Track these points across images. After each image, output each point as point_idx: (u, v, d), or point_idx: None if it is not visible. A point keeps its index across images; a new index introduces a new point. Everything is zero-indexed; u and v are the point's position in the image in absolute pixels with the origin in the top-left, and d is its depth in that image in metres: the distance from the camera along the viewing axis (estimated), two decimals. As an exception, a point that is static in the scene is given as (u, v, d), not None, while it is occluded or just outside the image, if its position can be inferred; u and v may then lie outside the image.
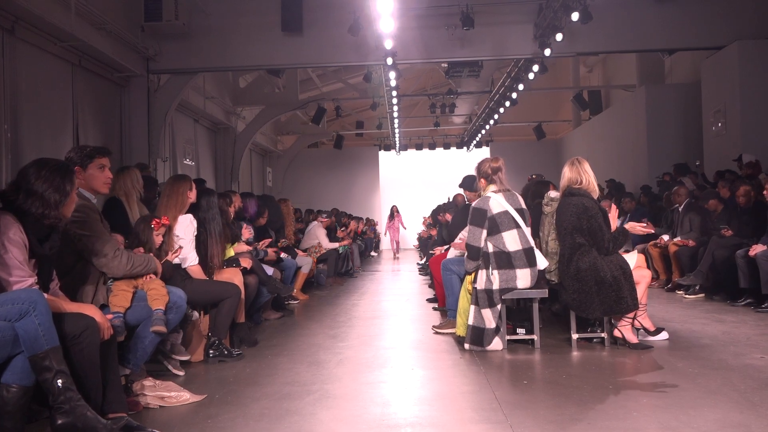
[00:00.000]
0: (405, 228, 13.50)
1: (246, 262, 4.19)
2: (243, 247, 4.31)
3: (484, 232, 3.40)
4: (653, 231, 3.73)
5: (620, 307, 3.26)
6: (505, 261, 3.38)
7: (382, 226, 15.63)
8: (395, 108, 12.19)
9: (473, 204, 3.52)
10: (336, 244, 7.66)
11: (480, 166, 3.58)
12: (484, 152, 17.14)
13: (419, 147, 17.60)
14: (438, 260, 4.74)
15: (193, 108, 10.36)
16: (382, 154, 18.24)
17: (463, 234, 4.06)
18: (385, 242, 16.12)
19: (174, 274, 3.10)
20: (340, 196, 17.27)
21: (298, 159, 17.38)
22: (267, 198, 5.83)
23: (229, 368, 3.17)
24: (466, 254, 3.51)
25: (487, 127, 14.45)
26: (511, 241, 3.38)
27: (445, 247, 5.62)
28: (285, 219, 6.12)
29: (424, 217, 12.69)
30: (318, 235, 7.44)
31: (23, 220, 1.93)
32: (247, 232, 4.77)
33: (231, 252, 4.14)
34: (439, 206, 8.22)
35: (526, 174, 5.90)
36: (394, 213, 13.73)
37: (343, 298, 6.25)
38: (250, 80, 12.67)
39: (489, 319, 3.39)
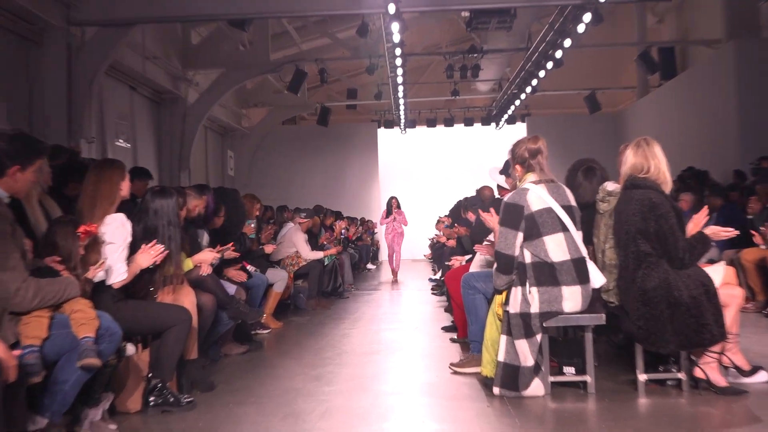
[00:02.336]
0: (406, 224, 11.86)
1: (205, 268, 4.19)
2: (205, 257, 4.31)
3: (520, 235, 3.39)
4: (738, 233, 3.68)
5: (702, 339, 3.25)
6: (547, 275, 3.36)
7: (380, 232, 15.44)
8: (399, 71, 12.18)
9: (505, 198, 3.51)
10: (320, 254, 7.68)
11: (514, 149, 3.58)
12: (519, 130, 17.17)
13: (432, 123, 17.59)
14: (457, 275, 4.75)
15: (129, 72, 10.37)
16: (382, 132, 18.23)
17: (492, 238, 4.06)
18: (383, 250, 16.13)
19: (101, 294, 3.10)
20: (325, 189, 17.29)
21: (269, 139, 17.40)
22: (226, 192, 5.82)
23: (177, 421, 3.17)
24: (495, 266, 3.50)
25: (523, 96, 14.46)
26: (556, 248, 3.36)
27: (467, 257, 5.62)
28: (250, 217, 6.12)
29: (441, 218, 12.65)
30: (296, 241, 7.44)
31: None
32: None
33: (188, 264, 4.14)
34: (459, 202, 8.21)
35: (574, 159, 5.93)
36: (392, 208, 11.74)
37: (330, 326, 6.29)
38: (205, 35, 12.71)
39: (526, 354, 3.37)
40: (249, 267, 5.59)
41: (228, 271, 5.09)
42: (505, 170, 4.79)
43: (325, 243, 8.70)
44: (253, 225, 5.86)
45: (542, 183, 3.46)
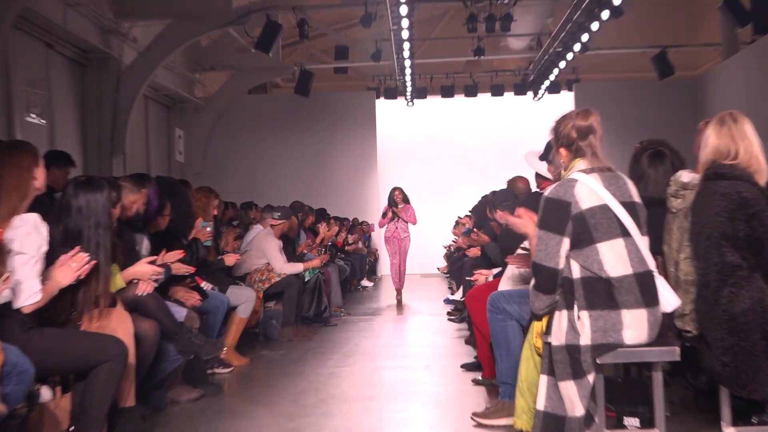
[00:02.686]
0: (414, 222, 11.44)
1: (145, 286, 4.18)
2: (145, 270, 4.31)
3: (566, 241, 3.36)
4: None
5: (811, 380, 3.28)
6: (602, 295, 3.34)
7: (379, 237, 15.24)
8: (405, 23, 12.14)
9: (546, 193, 3.48)
10: (299, 266, 7.71)
11: (558, 127, 3.56)
12: (565, 101, 17.17)
13: (448, 92, 17.54)
14: (482, 295, 4.74)
15: (44, 23, 10.37)
16: (381, 105, 18.24)
17: (528, 245, 4.05)
18: (383, 261, 15.99)
19: (6, 320, 3.09)
20: (306, 180, 17.27)
21: (231, 114, 17.37)
22: (173, 184, 5.83)
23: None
24: (532, 282, 3.50)
25: (570, 56, 14.48)
26: (614, 258, 3.34)
27: (495, 271, 5.62)
28: (206, 218, 6.10)
29: (460, 219, 12.62)
30: (266, 249, 7.46)
31: None
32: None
33: (119, 281, 4.13)
34: (485, 198, 8.20)
35: (638, 139, 5.87)
36: (395, 201, 11.48)
37: (313, 363, 6.31)
38: (145, -26, 12.78)
39: (573, 400, 3.37)
40: (204, 284, 5.59)
41: (176, 289, 5.10)
42: (546, 155, 4.78)
43: (306, 252, 8.73)
44: (209, 228, 5.85)
45: (595, 172, 3.42)
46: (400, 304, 11.00)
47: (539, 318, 3.54)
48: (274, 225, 7.73)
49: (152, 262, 4.42)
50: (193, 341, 4.56)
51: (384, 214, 11.57)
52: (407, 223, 11.45)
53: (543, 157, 5.12)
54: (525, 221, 3.70)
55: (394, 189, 11.55)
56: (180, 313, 4.69)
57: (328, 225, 10.72)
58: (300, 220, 9.41)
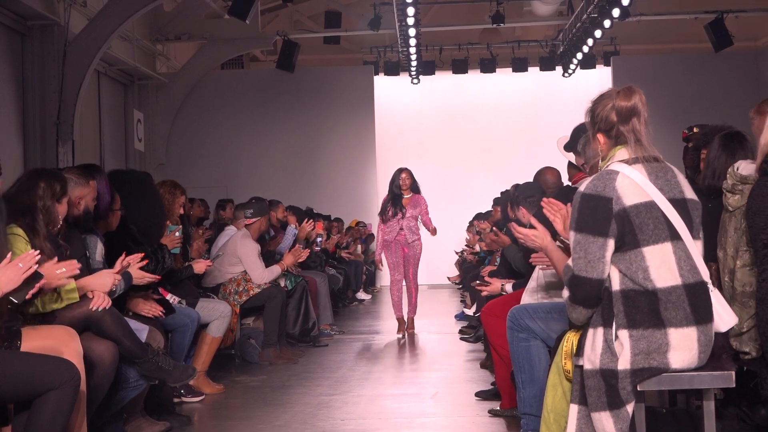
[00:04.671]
0: (433, 232, 9.69)
1: (100, 299, 4.19)
2: (101, 282, 4.33)
3: (610, 244, 3.39)
4: None
5: None
6: (645, 310, 3.31)
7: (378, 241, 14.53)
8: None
9: (582, 188, 3.49)
10: (275, 270, 7.64)
11: (595, 109, 3.57)
12: (602, 78, 17.17)
13: (460, 68, 17.60)
14: (500, 308, 4.76)
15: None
16: (381, 82, 18.34)
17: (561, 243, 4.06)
18: (384, 270, 15.77)
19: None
20: (290, 173, 17.32)
21: (200, 93, 17.36)
22: (130, 177, 5.83)
23: None
24: (566, 293, 3.52)
25: (607, 24, 14.49)
26: (661, 266, 3.31)
27: (512, 282, 5.64)
28: (171, 220, 6.17)
29: (478, 223, 12.25)
30: (243, 255, 7.46)
31: None
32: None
33: (72, 293, 4.13)
34: (506, 194, 8.21)
35: (684, 123, 5.81)
36: (399, 187, 9.71)
37: (299, 390, 6.31)
38: (97, -76, 12.79)
39: (609, 434, 3.40)
40: (170, 297, 5.60)
41: (136, 302, 5.08)
42: (573, 144, 4.80)
43: (277, 252, 8.65)
44: (178, 233, 5.87)
45: (639, 163, 3.42)
46: (408, 336, 9.52)
47: (577, 328, 3.56)
48: (248, 225, 7.73)
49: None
50: (161, 366, 4.52)
51: (383, 209, 9.77)
52: (417, 220, 9.70)
53: (569, 147, 5.13)
54: (539, 232, 3.74)
55: (400, 171, 9.76)
56: (142, 330, 4.64)
57: (325, 227, 10.70)
58: (280, 221, 9.41)
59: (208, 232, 7.53)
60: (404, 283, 9.78)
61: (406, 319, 9.73)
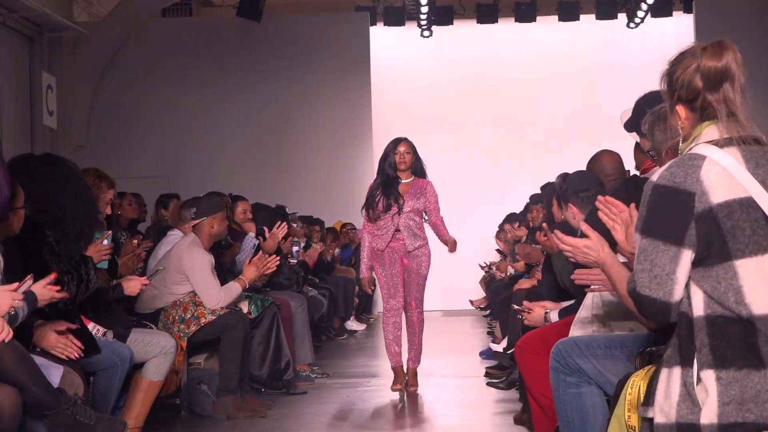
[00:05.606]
0: (452, 247, 8.84)
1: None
2: None
3: (686, 255, 3.37)
4: None
5: None
6: (738, 344, 3.25)
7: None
8: None
9: (654, 177, 3.46)
10: (235, 289, 7.71)
11: (673, 72, 3.56)
12: (680, 30, 17.18)
13: (487, 15, 17.86)
14: (541, 341, 4.78)
15: None
16: (379, 34, 18.67)
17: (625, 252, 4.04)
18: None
19: None
20: (257, 158, 17.52)
21: (134, 50, 17.58)
22: (40, 163, 5.85)
23: None
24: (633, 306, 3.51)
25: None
26: (761, 284, 3.28)
27: (564, 304, 5.66)
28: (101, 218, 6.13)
29: (509, 227, 12.45)
30: (190, 269, 7.52)
31: None
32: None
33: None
34: (549, 186, 8.24)
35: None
36: (394, 166, 8.82)
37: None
38: None
39: None
40: (93, 326, 5.61)
41: (46, 334, 5.07)
42: (636, 122, 4.79)
43: (237, 261, 8.67)
44: (106, 242, 5.86)
45: (734, 145, 3.40)
46: (410, 386, 8.84)
47: (646, 370, 3.55)
48: (195, 228, 7.77)
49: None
50: (79, 419, 4.52)
51: (369, 200, 8.84)
52: (422, 217, 8.84)
53: (630, 125, 5.11)
54: (593, 242, 3.71)
55: (397, 142, 8.86)
56: (55, 372, 4.58)
57: (303, 232, 10.65)
58: (237, 225, 9.40)
59: (146, 243, 7.50)
60: (404, 313, 8.83)
61: (406, 369, 8.78)
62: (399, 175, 8.66)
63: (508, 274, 11.18)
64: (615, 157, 6.25)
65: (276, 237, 8.97)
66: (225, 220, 8.10)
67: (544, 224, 7.36)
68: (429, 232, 8.89)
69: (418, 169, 8.76)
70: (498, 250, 13.87)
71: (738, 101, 3.41)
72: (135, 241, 7.13)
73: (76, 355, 5.10)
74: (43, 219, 5.34)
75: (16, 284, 4.44)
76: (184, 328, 7.23)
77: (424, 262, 8.75)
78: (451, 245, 8.66)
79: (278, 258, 8.23)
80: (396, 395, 8.62)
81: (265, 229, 9.38)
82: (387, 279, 8.70)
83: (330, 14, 18.38)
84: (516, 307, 6.15)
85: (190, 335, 7.26)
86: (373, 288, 9.24)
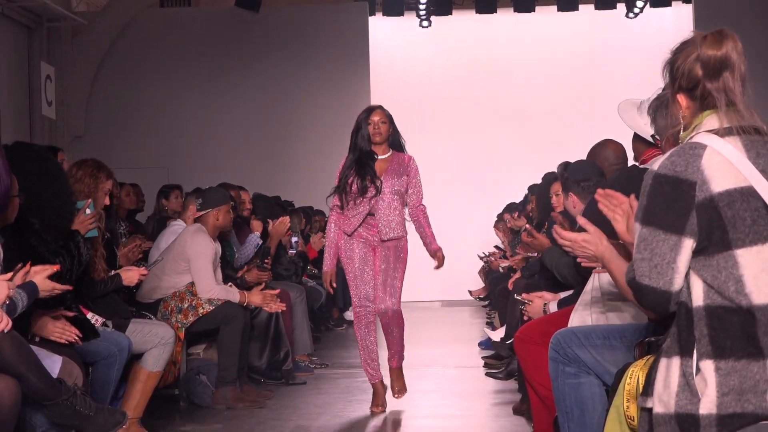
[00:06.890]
0: (440, 262, 7.73)
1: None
2: None
3: (687, 245, 3.39)
4: None
5: None
6: (737, 334, 3.25)
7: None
8: None
9: (655, 166, 3.44)
10: (233, 294, 7.69)
11: (674, 61, 3.56)
12: (679, 20, 17.13)
13: (486, 5, 17.81)
14: (540, 331, 4.78)
15: None
16: (377, 24, 18.69)
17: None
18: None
19: None
20: (256, 148, 17.55)
21: (133, 41, 17.58)
22: (34, 152, 5.84)
23: None
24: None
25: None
26: (761, 274, 3.30)
27: (561, 295, 5.66)
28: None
29: (508, 216, 12.55)
30: (193, 255, 7.51)
31: None
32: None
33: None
34: (549, 177, 8.25)
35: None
36: (367, 139, 7.63)
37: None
38: None
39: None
40: (92, 316, 5.60)
41: (45, 323, 5.05)
42: (631, 113, 4.77)
43: (238, 258, 8.71)
44: (89, 210, 5.78)
45: (735, 134, 3.40)
46: (396, 391, 7.71)
47: (645, 359, 3.55)
48: (199, 217, 7.76)
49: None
50: (78, 410, 4.51)
51: (342, 183, 7.77)
52: (402, 203, 7.64)
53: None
54: (592, 236, 3.70)
55: (370, 111, 7.75)
56: (54, 362, 4.58)
57: (297, 224, 10.60)
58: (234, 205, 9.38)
59: (147, 244, 7.48)
60: (381, 319, 7.59)
61: (388, 380, 7.67)
62: (374, 149, 7.49)
63: (501, 269, 11.17)
64: (620, 147, 6.22)
65: (279, 231, 8.93)
66: (230, 213, 8.08)
67: (527, 225, 7.37)
68: (409, 227, 7.72)
69: (395, 142, 7.62)
70: (497, 246, 13.80)
71: (738, 90, 3.42)
72: (138, 242, 7.11)
73: (75, 338, 5.07)
74: (26, 206, 5.31)
75: (9, 274, 4.42)
76: (181, 318, 7.22)
77: (399, 257, 7.54)
78: (439, 260, 7.58)
79: (284, 305, 8.02)
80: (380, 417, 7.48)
81: (270, 221, 9.35)
82: (355, 271, 7.56)
83: (329, 4, 18.37)
84: (517, 297, 6.14)
85: (189, 326, 7.24)
86: (334, 286, 7.96)
